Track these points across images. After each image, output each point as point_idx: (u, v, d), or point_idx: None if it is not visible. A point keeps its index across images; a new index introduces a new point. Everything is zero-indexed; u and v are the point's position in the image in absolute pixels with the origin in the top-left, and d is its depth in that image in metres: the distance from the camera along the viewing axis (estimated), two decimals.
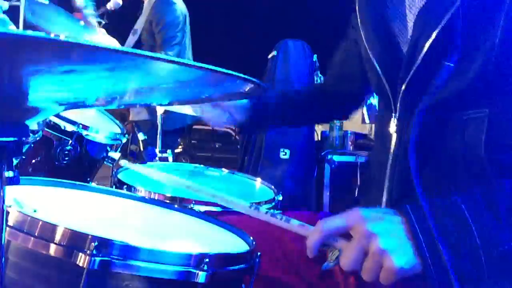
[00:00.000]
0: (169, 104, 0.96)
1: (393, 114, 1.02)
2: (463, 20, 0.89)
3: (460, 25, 0.90)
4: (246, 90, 0.63)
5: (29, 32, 0.36)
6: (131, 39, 3.53)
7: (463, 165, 0.93)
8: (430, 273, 0.77)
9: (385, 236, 0.78)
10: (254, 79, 0.57)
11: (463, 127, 0.92)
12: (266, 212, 0.89)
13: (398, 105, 1.00)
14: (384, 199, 1.04)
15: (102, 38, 2.89)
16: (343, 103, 1.42)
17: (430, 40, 0.91)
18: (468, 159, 0.92)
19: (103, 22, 3.44)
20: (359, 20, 1.09)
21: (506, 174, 0.87)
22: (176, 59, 0.45)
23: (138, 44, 3.46)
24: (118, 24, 3.57)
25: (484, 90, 0.90)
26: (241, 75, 0.55)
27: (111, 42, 2.96)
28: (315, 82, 3.77)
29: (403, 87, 0.97)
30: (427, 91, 0.93)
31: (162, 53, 3.12)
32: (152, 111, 3.42)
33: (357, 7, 1.11)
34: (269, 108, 1.30)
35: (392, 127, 1.02)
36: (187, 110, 2.34)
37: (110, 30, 3.52)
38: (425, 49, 0.92)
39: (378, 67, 1.02)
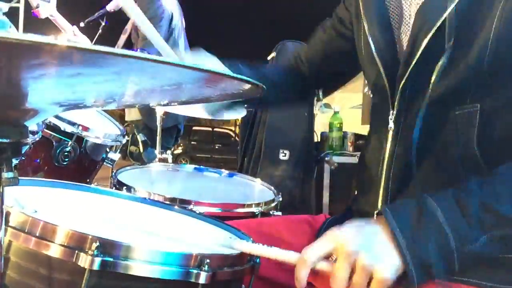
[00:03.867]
0: (167, 104, 0.97)
1: (390, 112, 1.02)
2: (459, 17, 0.91)
3: (457, 22, 0.91)
4: (245, 90, 0.64)
5: (36, 37, 0.36)
6: (122, 38, 3.53)
7: (458, 160, 0.94)
8: (411, 273, 0.80)
9: (369, 250, 0.81)
10: (252, 80, 0.58)
11: (455, 122, 0.93)
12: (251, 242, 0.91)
13: (397, 101, 1.01)
14: (380, 198, 1.04)
15: (73, 37, 2.89)
16: (326, 80, 1.41)
17: (429, 37, 0.93)
18: (462, 154, 0.93)
19: (103, 23, 3.45)
20: (362, 12, 1.09)
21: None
22: (183, 63, 0.46)
23: (128, 43, 3.47)
24: (117, 24, 3.58)
25: (477, 87, 0.92)
26: (240, 76, 0.55)
27: (83, 40, 2.97)
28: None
29: (402, 83, 0.98)
30: (425, 87, 0.94)
31: (138, 50, 3.13)
32: (144, 111, 3.42)
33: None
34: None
35: (390, 123, 1.02)
36: (180, 110, 2.35)
37: (110, 30, 3.53)
38: (423, 45, 0.94)
39: (379, 62, 1.02)
